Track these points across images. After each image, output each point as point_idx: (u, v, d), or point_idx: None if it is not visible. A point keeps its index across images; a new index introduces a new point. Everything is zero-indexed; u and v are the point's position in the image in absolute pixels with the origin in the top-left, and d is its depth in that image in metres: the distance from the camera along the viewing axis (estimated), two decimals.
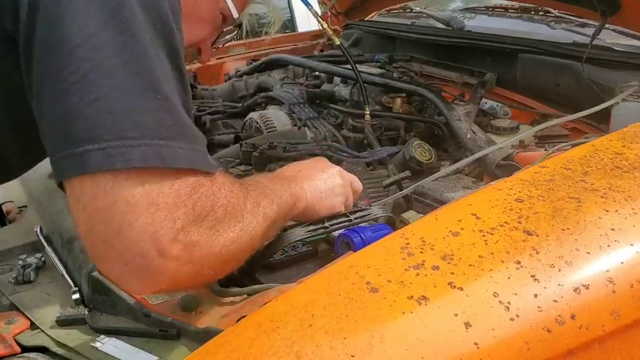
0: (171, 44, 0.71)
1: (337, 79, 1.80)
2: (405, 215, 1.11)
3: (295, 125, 1.51)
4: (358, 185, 1.03)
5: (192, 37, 1.03)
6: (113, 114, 0.63)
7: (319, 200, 0.93)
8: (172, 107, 0.68)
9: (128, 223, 0.63)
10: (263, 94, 1.75)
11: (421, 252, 0.69)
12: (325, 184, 0.95)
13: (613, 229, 0.72)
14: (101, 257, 0.67)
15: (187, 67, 1.93)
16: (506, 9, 2.40)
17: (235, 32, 1.15)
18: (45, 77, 0.66)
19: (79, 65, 0.64)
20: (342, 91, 1.70)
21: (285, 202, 0.86)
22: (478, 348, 0.60)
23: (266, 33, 1.49)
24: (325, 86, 1.82)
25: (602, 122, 1.37)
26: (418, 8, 2.52)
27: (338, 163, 1.31)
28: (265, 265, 0.89)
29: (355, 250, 0.85)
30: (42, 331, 0.80)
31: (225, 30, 1.10)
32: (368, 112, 1.45)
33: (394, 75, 1.81)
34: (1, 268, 0.96)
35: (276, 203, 0.83)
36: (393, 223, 1.01)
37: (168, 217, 0.64)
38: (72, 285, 0.88)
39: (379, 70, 1.79)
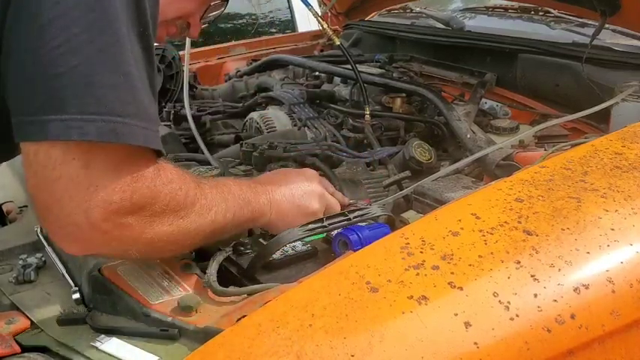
0: (142, 23, 0.73)
1: (337, 79, 1.80)
2: (405, 215, 1.11)
3: (295, 125, 1.51)
4: (335, 210, 1.04)
5: (180, 10, 1.04)
6: (77, 88, 0.67)
7: (282, 219, 0.95)
8: (134, 86, 0.70)
9: (69, 197, 0.69)
10: (263, 94, 1.74)
11: (421, 252, 0.69)
12: (297, 206, 0.98)
13: (613, 229, 0.73)
14: (42, 217, 0.73)
15: (189, 67, 1.94)
16: (506, 9, 2.40)
17: (223, 7, 1.15)
18: (17, 44, 0.68)
19: (50, 39, 0.66)
20: (342, 91, 1.70)
21: (244, 215, 0.89)
22: (478, 348, 0.60)
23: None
24: (325, 86, 1.82)
25: (602, 122, 1.37)
26: (418, 8, 2.52)
27: (338, 163, 1.31)
28: (265, 265, 0.89)
29: (353, 249, 0.85)
30: (42, 330, 0.80)
31: (212, 4, 1.10)
32: (368, 112, 1.45)
33: (394, 75, 1.81)
34: (2, 268, 0.96)
35: (232, 212, 0.87)
36: (392, 223, 1.01)
37: (104, 198, 0.69)
38: (72, 285, 0.88)
39: (379, 70, 1.79)
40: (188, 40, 1.70)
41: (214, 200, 0.84)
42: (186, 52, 1.71)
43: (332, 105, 1.59)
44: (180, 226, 0.78)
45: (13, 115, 0.70)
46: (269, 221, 0.95)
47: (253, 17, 4.59)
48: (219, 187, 0.87)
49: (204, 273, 0.83)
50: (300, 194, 0.99)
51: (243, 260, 0.91)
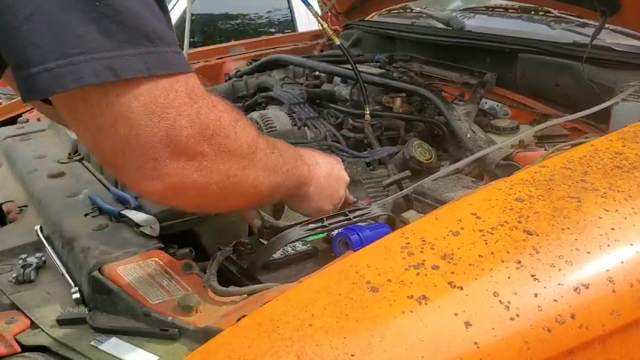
0: None
1: (337, 79, 1.80)
2: (405, 215, 1.11)
3: (295, 125, 1.51)
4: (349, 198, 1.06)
5: None
6: (52, 29, 0.60)
7: (318, 196, 0.95)
8: (117, 9, 0.62)
9: (136, 134, 0.64)
10: (263, 94, 1.74)
11: (421, 251, 0.69)
12: (330, 186, 0.97)
13: (613, 229, 0.73)
14: (113, 166, 0.69)
15: None
16: (506, 9, 2.40)
17: None
18: None
19: None
20: (342, 91, 1.70)
21: (293, 179, 0.87)
22: (478, 347, 0.60)
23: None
24: (325, 86, 1.82)
25: (602, 122, 1.37)
26: (418, 8, 2.52)
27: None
28: (265, 264, 0.89)
29: (354, 249, 0.85)
30: (42, 330, 0.79)
31: None
32: (368, 112, 1.45)
33: (394, 75, 1.81)
34: (2, 268, 0.96)
35: (286, 167, 0.84)
36: (392, 223, 1.01)
37: (172, 124, 0.65)
38: (72, 284, 0.88)
39: (379, 70, 1.79)
40: (187, 40, 1.70)
41: (271, 145, 0.82)
42: (185, 51, 1.71)
43: (332, 105, 1.59)
44: (252, 161, 0.76)
45: (18, 69, 0.63)
46: (308, 193, 0.94)
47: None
48: (269, 138, 0.85)
49: (204, 273, 0.83)
50: (333, 177, 0.99)
51: (243, 260, 0.91)
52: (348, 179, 1.03)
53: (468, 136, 1.34)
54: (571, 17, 2.00)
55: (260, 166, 0.78)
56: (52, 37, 0.60)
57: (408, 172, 1.23)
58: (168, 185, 0.69)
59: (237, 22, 4.65)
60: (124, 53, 0.62)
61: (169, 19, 0.71)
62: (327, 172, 0.97)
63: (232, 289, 0.80)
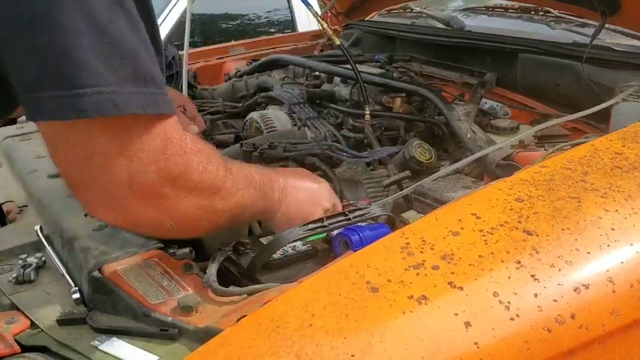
0: None
1: (337, 79, 1.80)
2: (405, 215, 1.11)
3: (295, 125, 1.51)
4: (339, 206, 1.07)
5: None
6: (64, 61, 0.63)
7: (287, 221, 0.96)
8: (123, 48, 0.66)
9: (106, 172, 0.69)
10: (263, 94, 1.74)
11: (421, 252, 0.69)
12: (303, 213, 0.98)
13: (613, 229, 0.73)
14: (78, 193, 0.74)
15: (188, 67, 1.95)
16: (506, 9, 2.40)
17: None
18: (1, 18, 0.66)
19: (30, 6, 0.63)
20: (342, 91, 1.70)
21: (259, 206, 0.91)
22: (478, 347, 0.60)
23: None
24: (325, 86, 1.82)
25: (602, 122, 1.37)
26: (418, 8, 2.52)
27: (338, 163, 1.31)
28: (265, 265, 0.89)
29: (354, 249, 0.85)
30: (42, 330, 0.79)
31: None
32: (368, 112, 1.45)
33: (394, 75, 1.81)
34: (2, 268, 0.96)
35: (252, 200, 0.88)
36: (392, 223, 1.01)
37: (141, 169, 0.70)
38: (72, 285, 0.88)
39: (379, 70, 1.79)
40: (186, 40, 1.70)
41: (241, 183, 0.85)
42: (185, 51, 1.71)
43: (332, 105, 1.59)
44: (212, 201, 0.80)
45: (27, 91, 0.67)
46: (275, 219, 0.97)
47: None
48: (244, 171, 0.88)
49: (204, 273, 0.83)
50: (308, 203, 1.00)
51: (243, 260, 0.91)
52: (329, 206, 1.03)
53: (468, 136, 1.34)
54: (571, 17, 2.00)
55: (220, 205, 0.82)
56: (64, 67, 0.63)
57: (408, 172, 1.23)
58: (125, 219, 0.77)
59: (237, 22, 4.64)
60: (125, 90, 0.66)
61: (162, 60, 0.76)
62: (301, 199, 0.98)
63: (232, 289, 0.80)
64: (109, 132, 0.68)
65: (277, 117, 1.53)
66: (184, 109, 1.40)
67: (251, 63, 2.17)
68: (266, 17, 4.66)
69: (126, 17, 0.67)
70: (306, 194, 1.00)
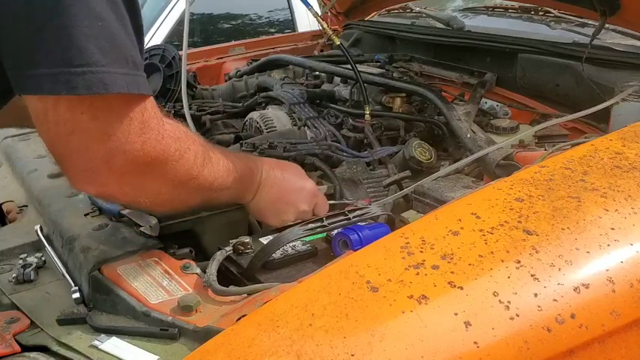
0: None
1: (337, 79, 1.80)
2: (405, 215, 1.11)
3: (295, 125, 1.51)
4: (323, 211, 1.08)
5: None
6: (59, 41, 0.68)
7: (267, 209, 1.02)
8: (112, 32, 0.72)
9: (84, 147, 0.74)
10: (263, 94, 1.74)
11: (421, 251, 0.69)
12: (285, 202, 1.02)
13: (613, 229, 0.73)
14: (61, 165, 0.78)
15: (188, 67, 1.94)
16: (506, 9, 2.40)
17: None
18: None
19: None
20: (342, 91, 1.70)
21: (237, 191, 0.96)
22: (478, 347, 0.60)
23: None
24: (325, 86, 1.82)
25: (602, 122, 1.37)
26: (418, 8, 2.52)
27: (338, 163, 1.31)
28: (265, 264, 0.89)
29: (353, 249, 0.85)
30: (42, 330, 0.80)
31: None
32: (368, 112, 1.45)
33: (394, 75, 1.81)
34: (2, 268, 0.96)
35: (229, 185, 0.92)
36: (392, 223, 1.01)
37: (118, 147, 0.74)
38: (72, 284, 0.88)
39: (379, 70, 1.79)
40: (185, 40, 1.70)
41: (220, 171, 0.89)
42: (184, 51, 1.71)
43: (332, 105, 1.59)
44: (187, 187, 0.85)
45: (8, 68, 0.72)
46: (251, 206, 1.01)
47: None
48: (225, 160, 0.92)
49: (204, 273, 0.83)
50: (284, 202, 1.02)
51: (243, 260, 0.91)
52: (307, 209, 1.04)
53: (468, 136, 1.34)
54: (571, 17, 2.00)
55: (195, 190, 0.87)
56: (58, 47, 0.68)
57: (408, 172, 1.23)
58: (102, 192, 0.82)
59: (237, 22, 4.64)
60: (113, 70, 0.71)
61: (142, 43, 0.80)
62: (276, 195, 1.01)
63: (232, 289, 0.80)
64: (91, 110, 0.71)
65: (277, 117, 1.53)
66: None
67: (251, 63, 2.16)
68: (266, 17, 4.66)
69: (115, 9, 0.73)
70: (284, 192, 1.02)
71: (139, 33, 0.79)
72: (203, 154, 0.87)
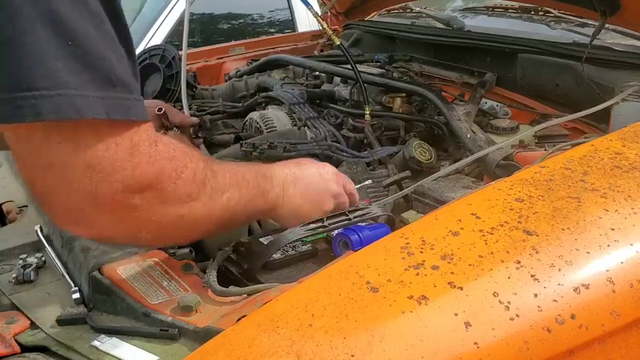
0: None
1: (337, 79, 1.80)
2: (405, 215, 1.11)
3: (295, 125, 1.51)
4: (350, 184, 1.03)
5: None
6: (23, 60, 0.59)
7: (294, 215, 0.93)
8: (86, 47, 0.62)
9: (66, 183, 0.64)
10: (263, 94, 1.74)
11: (421, 252, 0.69)
12: (310, 203, 0.94)
13: (613, 229, 0.72)
14: (42, 204, 0.69)
15: (188, 67, 1.95)
16: (506, 9, 2.40)
17: None
18: None
19: None
20: (342, 91, 1.70)
21: (256, 206, 0.86)
22: (478, 347, 0.60)
23: None
24: (325, 86, 1.82)
25: (602, 122, 1.37)
26: (418, 8, 2.52)
27: (338, 163, 1.31)
28: (265, 265, 0.89)
29: (353, 249, 0.85)
30: (42, 330, 0.80)
31: None
32: (368, 112, 1.45)
33: (394, 75, 1.81)
34: (2, 268, 0.96)
35: (245, 200, 0.83)
36: (392, 223, 1.01)
37: (105, 179, 0.64)
38: (72, 285, 0.88)
39: (379, 70, 1.79)
40: (185, 40, 1.70)
41: (227, 184, 0.80)
42: (184, 51, 1.71)
43: (332, 105, 1.59)
44: (191, 209, 0.74)
45: None
46: (280, 215, 0.93)
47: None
48: (232, 172, 0.83)
49: (204, 273, 0.83)
50: (315, 191, 0.95)
51: (244, 260, 0.91)
52: (338, 188, 0.99)
53: (468, 136, 1.34)
54: (571, 17, 2.00)
55: (202, 211, 0.76)
56: (22, 68, 0.59)
57: (408, 172, 1.23)
58: (94, 233, 0.71)
59: (238, 22, 4.64)
60: (88, 93, 0.62)
61: (136, 64, 0.71)
62: (306, 190, 0.94)
63: (232, 289, 0.80)
64: (69, 139, 0.63)
65: (277, 117, 1.53)
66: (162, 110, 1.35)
67: (251, 63, 2.17)
68: (266, 17, 4.66)
69: (91, 18, 0.63)
70: (311, 183, 0.95)
71: (127, 44, 0.68)
72: (205, 169, 0.77)
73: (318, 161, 1.04)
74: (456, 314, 0.61)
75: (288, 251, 0.92)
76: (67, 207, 0.66)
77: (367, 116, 1.45)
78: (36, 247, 1.02)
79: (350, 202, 1.02)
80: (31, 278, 0.92)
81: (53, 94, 0.59)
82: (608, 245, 0.71)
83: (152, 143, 0.69)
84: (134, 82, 0.68)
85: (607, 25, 1.62)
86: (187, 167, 0.74)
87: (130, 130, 0.67)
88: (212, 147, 1.50)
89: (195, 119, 1.48)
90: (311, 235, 0.90)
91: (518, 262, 0.67)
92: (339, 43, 1.60)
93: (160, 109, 1.33)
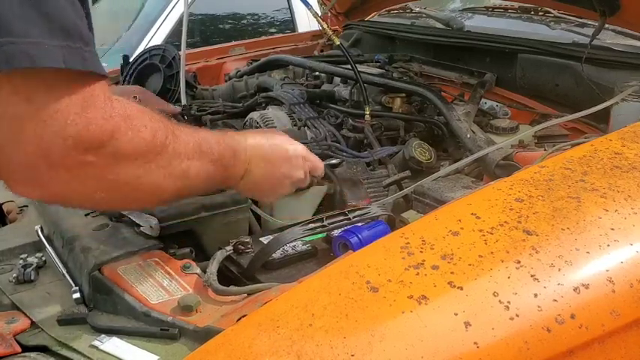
0: None
1: (337, 79, 1.80)
2: (405, 215, 1.11)
3: (295, 125, 1.51)
4: (319, 171, 1.01)
5: None
6: None
7: (258, 188, 0.91)
8: (40, 2, 0.60)
9: (18, 137, 0.61)
10: (263, 94, 1.74)
11: (421, 251, 0.69)
12: (277, 177, 0.92)
13: (613, 229, 0.73)
14: None
15: (187, 68, 1.94)
16: (506, 9, 2.39)
17: None
18: None
19: None
20: (342, 91, 1.70)
21: (218, 175, 0.83)
22: (478, 347, 0.60)
23: None
24: (325, 86, 1.82)
25: (601, 122, 1.37)
26: (418, 8, 2.52)
27: (338, 163, 1.31)
28: (265, 264, 0.89)
29: (354, 251, 0.85)
30: (42, 330, 0.80)
31: None
32: (368, 112, 1.45)
33: (394, 75, 1.81)
34: (2, 268, 0.96)
35: (206, 169, 0.80)
36: (392, 223, 1.01)
37: (58, 133, 0.62)
38: (72, 284, 0.89)
39: (379, 70, 1.79)
40: (184, 40, 1.71)
41: (189, 152, 0.77)
42: (182, 51, 1.72)
43: (332, 105, 1.59)
44: (148, 171, 0.72)
45: None
46: (235, 187, 0.92)
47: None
48: (196, 139, 0.79)
49: (204, 273, 0.83)
50: (278, 175, 0.93)
51: (244, 260, 0.91)
52: (305, 150, 0.97)
53: (468, 136, 1.34)
54: (570, 17, 2.00)
55: (159, 174, 0.74)
56: None
57: (408, 172, 1.23)
58: (47, 193, 0.68)
59: (237, 22, 4.64)
60: (43, 41, 0.59)
61: (90, 18, 0.69)
62: (270, 173, 0.92)
63: (232, 288, 0.80)
64: (22, 90, 0.60)
65: (277, 117, 1.53)
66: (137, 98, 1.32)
67: (251, 63, 2.17)
68: (266, 17, 4.66)
69: None
70: (276, 166, 0.93)
71: (85, 6, 0.67)
72: (166, 130, 0.74)
73: (288, 137, 1.01)
74: (456, 314, 0.61)
75: (287, 251, 0.92)
76: (19, 163, 0.63)
77: (367, 116, 1.45)
78: (36, 247, 1.02)
79: (310, 183, 1.02)
80: (32, 278, 0.92)
81: (5, 42, 0.57)
82: (608, 245, 0.71)
83: (107, 99, 0.67)
84: (89, 35, 0.65)
85: (607, 25, 1.62)
86: (147, 127, 0.71)
87: (85, 84, 0.64)
88: None
89: (177, 108, 1.46)
90: (310, 235, 0.90)
91: (518, 262, 0.67)
92: (339, 43, 1.60)
93: (135, 97, 1.31)
